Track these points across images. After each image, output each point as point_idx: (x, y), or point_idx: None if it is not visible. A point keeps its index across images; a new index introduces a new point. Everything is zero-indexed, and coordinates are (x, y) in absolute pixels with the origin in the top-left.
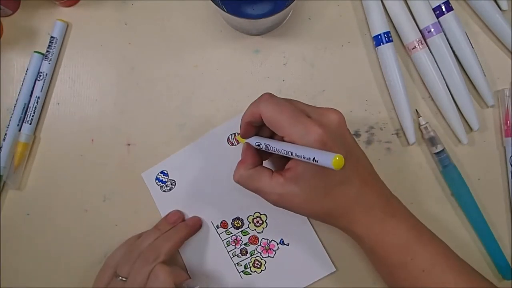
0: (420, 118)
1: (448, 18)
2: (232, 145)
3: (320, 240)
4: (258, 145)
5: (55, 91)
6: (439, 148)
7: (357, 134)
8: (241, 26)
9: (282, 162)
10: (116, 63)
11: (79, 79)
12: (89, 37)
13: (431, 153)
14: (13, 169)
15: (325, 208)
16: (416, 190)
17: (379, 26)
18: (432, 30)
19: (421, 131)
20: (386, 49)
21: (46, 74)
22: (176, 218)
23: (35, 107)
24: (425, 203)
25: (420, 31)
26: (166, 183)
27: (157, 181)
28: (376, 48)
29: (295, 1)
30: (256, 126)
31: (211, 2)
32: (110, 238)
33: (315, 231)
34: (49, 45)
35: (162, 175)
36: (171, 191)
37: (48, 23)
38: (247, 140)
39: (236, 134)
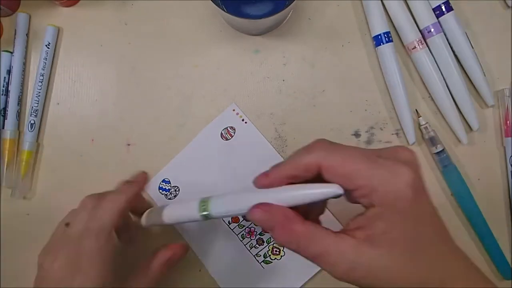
0: (420, 118)
1: (448, 18)
2: (226, 139)
3: (329, 210)
4: None
5: (55, 91)
6: (439, 148)
7: (357, 134)
8: (241, 26)
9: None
10: (116, 63)
11: (79, 79)
12: (89, 37)
13: (431, 153)
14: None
15: (419, 277)
16: None
17: (379, 26)
18: (432, 30)
19: (421, 131)
20: (386, 49)
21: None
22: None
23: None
24: None
25: (420, 31)
26: (170, 191)
27: (160, 190)
28: (376, 48)
29: (295, 1)
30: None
31: (211, 2)
32: None
33: None
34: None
35: (164, 183)
36: (176, 197)
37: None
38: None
39: (229, 128)
